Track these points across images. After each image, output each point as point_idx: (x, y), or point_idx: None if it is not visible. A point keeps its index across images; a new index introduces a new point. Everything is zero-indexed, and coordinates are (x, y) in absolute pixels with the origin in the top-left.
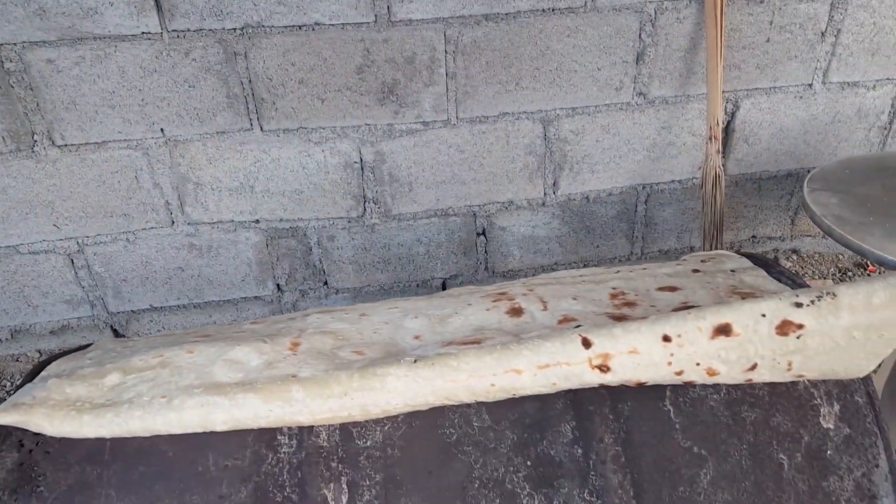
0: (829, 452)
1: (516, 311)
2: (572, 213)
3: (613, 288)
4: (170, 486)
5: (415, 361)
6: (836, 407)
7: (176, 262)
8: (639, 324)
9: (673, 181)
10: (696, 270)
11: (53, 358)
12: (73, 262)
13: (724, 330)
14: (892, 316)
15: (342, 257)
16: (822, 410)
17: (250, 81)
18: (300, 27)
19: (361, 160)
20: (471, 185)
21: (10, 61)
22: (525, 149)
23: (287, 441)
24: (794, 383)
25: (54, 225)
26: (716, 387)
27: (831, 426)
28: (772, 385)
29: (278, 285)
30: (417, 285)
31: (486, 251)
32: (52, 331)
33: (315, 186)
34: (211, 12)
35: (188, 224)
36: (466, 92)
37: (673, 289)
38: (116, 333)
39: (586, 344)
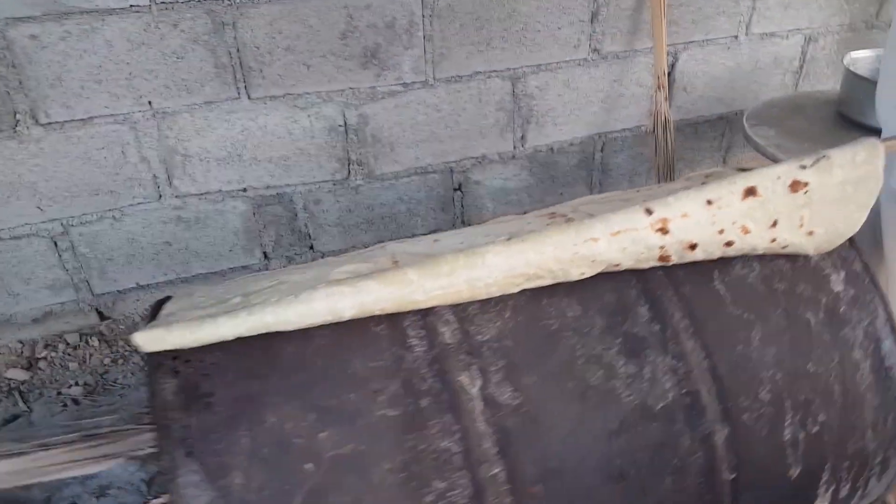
0: (842, 309)
1: (570, 219)
2: (538, 164)
3: (644, 201)
4: (326, 389)
5: (508, 239)
6: (842, 274)
7: (163, 237)
8: (687, 192)
9: (624, 129)
10: (704, 183)
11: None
12: (56, 245)
13: (751, 192)
14: (871, 170)
15: (328, 220)
16: (832, 277)
17: (238, 51)
18: None
19: (346, 123)
20: (447, 142)
21: None
22: (496, 105)
23: (418, 342)
24: (807, 259)
25: (38, 207)
26: (750, 266)
27: (840, 289)
28: (792, 261)
29: (265, 253)
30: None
31: (462, 205)
32: (35, 318)
33: (301, 151)
34: None
35: (176, 197)
36: (442, 53)
37: None
38: (102, 316)
39: (648, 212)
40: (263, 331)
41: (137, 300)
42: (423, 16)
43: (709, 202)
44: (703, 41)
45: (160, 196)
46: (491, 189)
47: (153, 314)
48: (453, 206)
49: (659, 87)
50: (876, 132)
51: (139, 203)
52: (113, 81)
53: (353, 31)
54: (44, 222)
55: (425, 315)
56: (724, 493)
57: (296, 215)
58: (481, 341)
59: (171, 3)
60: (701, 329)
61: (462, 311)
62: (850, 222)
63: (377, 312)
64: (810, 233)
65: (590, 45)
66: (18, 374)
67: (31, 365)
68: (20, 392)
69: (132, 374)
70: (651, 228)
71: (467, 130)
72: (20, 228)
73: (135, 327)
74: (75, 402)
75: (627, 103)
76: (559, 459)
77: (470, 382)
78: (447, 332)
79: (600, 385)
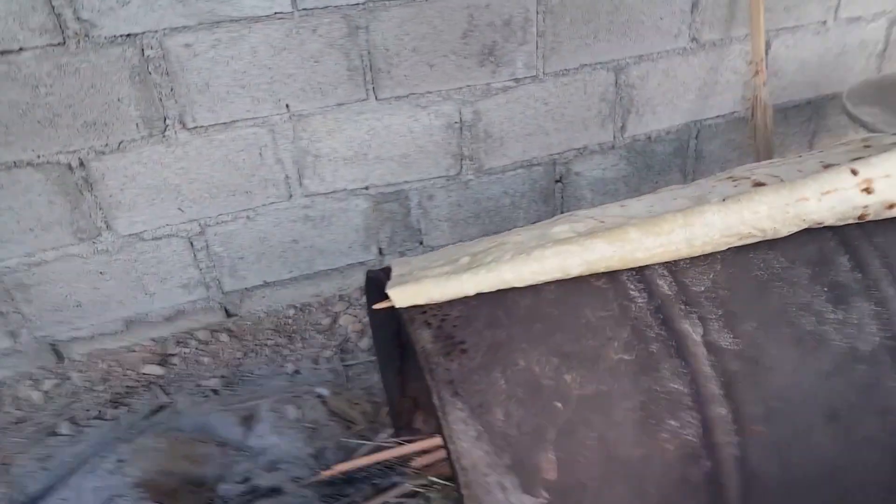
0: None
1: (759, 184)
2: (636, 153)
3: (820, 161)
4: (566, 335)
5: (724, 200)
6: None
7: (291, 235)
8: (889, 153)
9: (718, 116)
10: (867, 146)
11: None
12: (192, 245)
13: None
14: None
15: (439, 215)
16: None
17: (369, 53)
18: None
19: (461, 120)
20: (553, 134)
21: (151, 48)
22: (599, 96)
23: (638, 294)
24: None
25: (179, 208)
26: None
27: None
28: None
29: (380, 249)
30: None
31: (562, 196)
32: (168, 317)
33: (420, 149)
34: None
35: (305, 196)
36: (553, 48)
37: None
38: (228, 314)
39: (854, 172)
40: (501, 286)
41: (263, 297)
42: (538, 12)
43: None
44: (794, 27)
45: (290, 195)
46: (590, 179)
47: (378, 282)
48: (554, 198)
49: (757, 72)
50: None
51: (271, 203)
52: (255, 86)
53: (473, 29)
54: (183, 223)
55: (640, 271)
56: None
57: (409, 211)
58: (698, 292)
59: (311, 8)
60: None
61: (674, 265)
62: None
63: (601, 270)
64: None
65: (689, 34)
66: (155, 370)
67: (164, 361)
68: (160, 385)
69: (266, 365)
70: (857, 188)
71: (571, 122)
72: (162, 229)
73: (260, 323)
74: (215, 392)
75: (722, 90)
76: (780, 400)
77: (692, 329)
78: (664, 285)
79: (813, 330)
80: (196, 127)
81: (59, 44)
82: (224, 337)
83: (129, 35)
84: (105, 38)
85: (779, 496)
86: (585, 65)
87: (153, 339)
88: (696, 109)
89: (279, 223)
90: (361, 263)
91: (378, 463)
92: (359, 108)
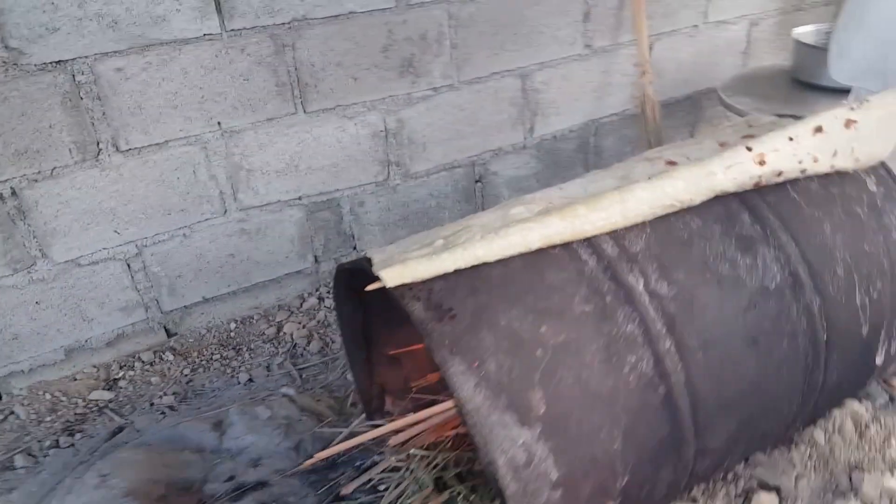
0: (879, 203)
1: (671, 162)
2: (545, 151)
3: (716, 140)
4: (536, 296)
5: (650, 178)
6: (873, 178)
7: (228, 250)
8: (775, 132)
9: (612, 114)
10: (750, 126)
11: (350, 265)
12: (129, 267)
13: (819, 129)
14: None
15: (370, 220)
16: (867, 181)
17: (296, 69)
18: (337, 17)
19: (386, 128)
20: (470, 138)
21: (82, 73)
22: (509, 101)
23: (589, 257)
24: (845, 172)
25: (115, 231)
26: (810, 178)
27: (875, 189)
28: (840, 174)
29: (316, 257)
30: None
31: (482, 195)
32: (108, 342)
33: (349, 157)
34: (264, 10)
35: (240, 210)
36: (465, 58)
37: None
38: (169, 334)
39: (749, 149)
40: (474, 262)
41: (203, 314)
42: (450, 26)
43: (790, 139)
44: (671, 31)
45: (225, 211)
46: (505, 178)
47: (353, 270)
48: (475, 197)
49: (644, 73)
50: (825, 90)
51: (206, 219)
52: (187, 106)
53: (392, 44)
54: (119, 245)
55: (587, 240)
56: (821, 351)
57: (341, 218)
58: (636, 252)
59: (239, 29)
60: (788, 226)
61: (614, 234)
62: (884, 148)
63: (556, 242)
64: (857, 159)
65: (583, 42)
66: (103, 395)
67: (111, 385)
68: (111, 409)
69: (217, 377)
70: (752, 161)
71: (486, 126)
72: (98, 254)
73: (203, 339)
74: (171, 408)
75: (615, 91)
76: (711, 332)
77: (636, 282)
78: (609, 249)
79: (730, 274)
80: (129, 149)
81: None
82: (169, 356)
83: (59, 62)
84: (35, 65)
85: (717, 411)
86: (495, 73)
87: (94, 366)
88: (594, 109)
89: (215, 239)
90: (298, 272)
91: (356, 446)
92: (288, 121)
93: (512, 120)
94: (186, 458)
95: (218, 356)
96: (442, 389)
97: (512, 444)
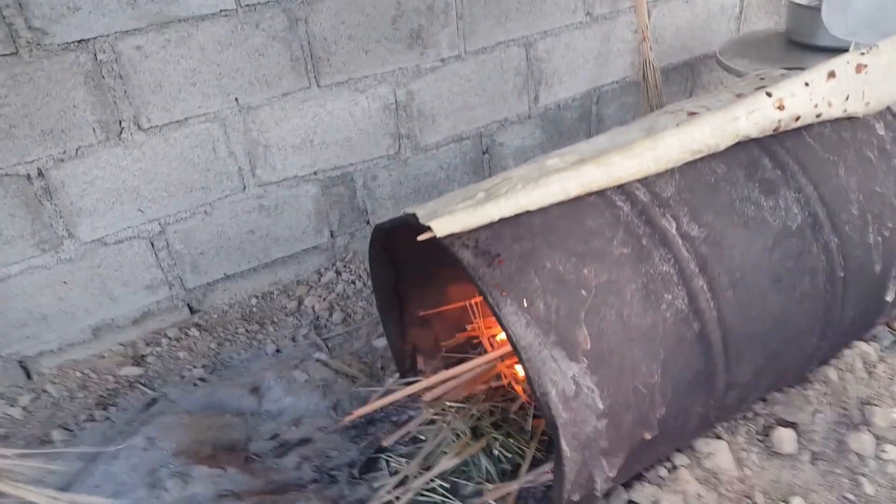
0: (888, 146)
1: (692, 113)
2: (549, 121)
3: (732, 93)
4: (576, 240)
5: (678, 125)
6: (882, 123)
7: (247, 226)
8: (792, 79)
9: (613, 82)
10: (762, 78)
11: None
12: (153, 245)
13: (832, 74)
14: None
15: (383, 194)
16: (876, 126)
17: (309, 43)
18: None
19: (396, 101)
20: (477, 109)
21: (103, 52)
22: (514, 71)
23: (623, 203)
24: (853, 119)
25: (139, 210)
26: (823, 124)
27: (883, 133)
28: (850, 120)
29: (332, 232)
30: None
31: (489, 167)
32: (134, 320)
33: (361, 131)
34: None
35: (258, 186)
36: (471, 28)
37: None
38: (192, 311)
39: (769, 95)
40: (517, 211)
41: (225, 290)
42: None
43: (806, 84)
44: None
45: (244, 187)
46: (512, 149)
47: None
48: (483, 169)
49: (644, 39)
50: (820, 49)
51: (227, 196)
52: (205, 83)
53: (401, 15)
54: (143, 224)
55: (620, 187)
56: (839, 288)
57: (355, 193)
58: (667, 197)
59: (253, 4)
60: (806, 169)
61: (645, 180)
62: (892, 92)
63: (592, 189)
64: (867, 103)
65: (584, 10)
66: (132, 371)
67: (139, 362)
68: (142, 383)
69: (244, 350)
70: (773, 106)
71: (492, 96)
72: (123, 232)
73: (226, 315)
74: (202, 380)
75: (615, 58)
76: (739, 271)
77: (669, 225)
78: (641, 195)
79: (755, 216)
80: (151, 127)
81: (11, 53)
82: (194, 332)
83: (81, 41)
84: (58, 45)
85: (745, 346)
86: (500, 42)
87: (121, 344)
88: (595, 77)
89: (235, 215)
90: (315, 248)
91: (392, 403)
92: (302, 96)
93: (517, 90)
94: (228, 421)
95: (242, 330)
96: (470, 348)
97: (562, 378)
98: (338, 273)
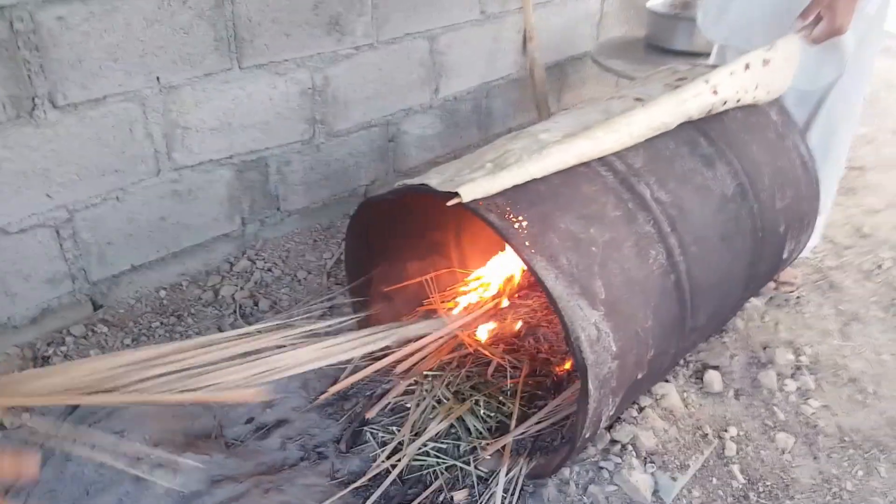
0: (780, 129)
1: (638, 99)
2: (447, 112)
3: (660, 83)
4: (580, 204)
5: (644, 105)
6: (775, 110)
7: (159, 213)
8: (719, 69)
9: (500, 78)
10: (676, 74)
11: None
12: (58, 234)
13: (747, 66)
14: (794, 49)
15: (295, 180)
16: (770, 112)
17: (234, 24)
18: None
19: (313, 85)
20: (386, 97)
21: (21, 21)
22: (419, 62)
23: (606, 173)
24: (755, 106)
25: (47, 195)
26: (735, 112)
27: (776, 119)
28: (753, 107)
29: (243, 219)
30: (348, 195)
31: (394, 154)
32: (33, 318)
33: (278, 115)
34: None
35: (173, 170)
36: (385, 19)
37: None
38: (95, 307)
39: (706, 82)
40: (527, 179)
41: (130, 283)
42: None
43: (731, 73)
44: (545, 2)
45: (159, 171)
46: (414, 137)
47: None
48: (388, 156)
49: (531, 39)
50: (677, 53)
51: (140, 180)
52: (127, 59)
53: (322, 1)
54: (51, 210)
55: (601, 159)
56: (759, 245)
57: (268, 179)
58: (638, 167)
59: None
60: (731, 146)
61: (617, 154)
62: (785, 83)
63: (583, 160)
64: (768, 92)
65: (479, 8)
66: None
67: (43, 363)
68: None
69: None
70: (710, 91)
71: (399, 86)
72: (28, 219)
73: (134, 309)
74: None
75: (503, 56)
76: (698, 230)
77: (645, 191)
78: (618, 165)
79: (702, 184)
80: (67, 105)
81: None
82: (102, 328)
83: None
84: None
85: (704, 293)
86: (408, 34)
87: (17, 346)
88: (486, 72)
89: (147, 201)
90: (226, 235)
91: (363, 378)
92: (224, 77)
93: (421, 80)
94: (191, 409)
95: (158, 323)
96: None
97: (587, 324)
98: (251, 261)
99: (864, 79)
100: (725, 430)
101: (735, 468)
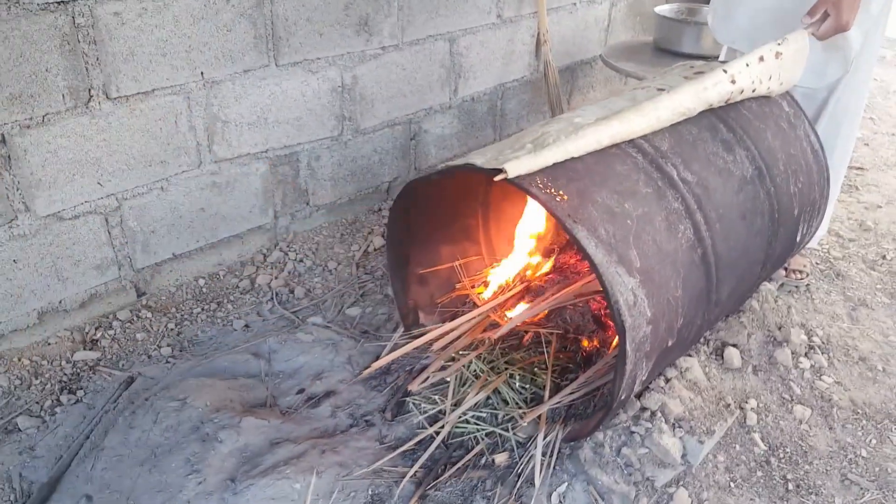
0: (791, 119)
1: (660, 89)
2: (464, 112)
3: (679, 75)
4: (614, 181)
5: (668, 92)
6: (786, 101)
7: (199, 203)
8: (735, 61)
9: (514, 80)
10: (694, 69)
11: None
12: (107, 222)
13: (762, 58)
14: (804, 44)
15: (324, 175)
16: (782, 103)
17: (272, 22)
18: None
19: (343, 84)
20: (409, 96)
21: (82, 16)
22: (440, 63)
23: (636, 154)
24: (768, 97)
25: (98, 183)
26: (750, 101)
27: (788, 109)
28: (766, 98)
29: (275, 212)
30: (372, 191)
31: (414, 153)
32: (82, 303)
33: (310, 112)
34: None
35: (213, 162)
36: (409, 20)
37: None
38: (138, 293)
39: (725, 71)
40: (565, 157)
41: (171, 271)
42: None
43: (747, 65)
44: (557, 8)
45: (200, 163)
46: (434, 136)
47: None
48: (409, 154)
49: (545, 42)
50: (685, 55)
51: (183, 171)
52: (175, 54)
53: (353, 2)
54: (101, 198)
55: (630, 141)
56: (776, 226)
57: (298, 173)
58: (665, 150)
59: None
60: (748, 133)
61: (644, 137)
62: (795, 75)
63: (616, 141)
64: (781, 84)
65: (496, 12)
66: (88, 355)
67: (93, 346)
68: (104, 366)
69: (208, 328)
70: (728, 81)
71: (421, 86)
72: (80, 206)
73: (175, 296)
74: (173, 357)
75: (517, 59)
76: (720, 209)
77: (672, 171)
78: (647, 147)
79: (724, 167)
80: (119, 97)
81: None
82: (146, 313)
83: (61, 2)
84: (38, 4)
85: (727, 268)
86: (430, 35)
87: (67, 329)
88: (502, 74)
89: (189, 192)
90: (259, 228)
91: (404, 354)
92: (262, 73)
93: (441, 81)
94: (245, 382)
95: (199, 310)
96: (460, 304)
97: (625, 289)
98: (283, 252)
99: (868, 77)
100: (746, 402)
101: (756, 436)
